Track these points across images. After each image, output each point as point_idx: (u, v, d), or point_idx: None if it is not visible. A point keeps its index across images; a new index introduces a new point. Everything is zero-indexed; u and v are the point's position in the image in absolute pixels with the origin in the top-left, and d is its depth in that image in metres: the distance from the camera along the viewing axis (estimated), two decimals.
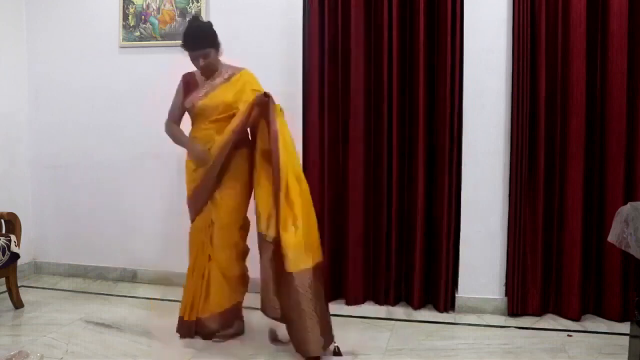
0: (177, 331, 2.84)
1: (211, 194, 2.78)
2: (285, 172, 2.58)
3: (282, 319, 2.66)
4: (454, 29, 3.07)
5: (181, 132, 2.89)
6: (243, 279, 2.88)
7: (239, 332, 2.87)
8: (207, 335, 2.79)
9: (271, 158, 2.64)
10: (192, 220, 2.87)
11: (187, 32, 2.78)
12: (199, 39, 2.74)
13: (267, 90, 2.72)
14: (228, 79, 2.81)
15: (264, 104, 2.67)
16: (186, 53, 2.76)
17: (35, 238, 3.97)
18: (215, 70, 2.82)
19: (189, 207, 2.89)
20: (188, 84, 2.86)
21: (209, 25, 2.82)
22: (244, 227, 2.86)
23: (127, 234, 3.80)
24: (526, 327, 2.95)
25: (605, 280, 2.99)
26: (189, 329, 2.81)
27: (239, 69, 2.85)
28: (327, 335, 2.61)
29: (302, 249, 2.53)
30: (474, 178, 3.12)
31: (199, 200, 2.81)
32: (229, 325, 2.83)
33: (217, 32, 2.79)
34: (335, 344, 2.63)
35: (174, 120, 2.91)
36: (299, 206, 2.58)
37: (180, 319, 2.84)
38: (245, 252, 2.88)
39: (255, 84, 2.82)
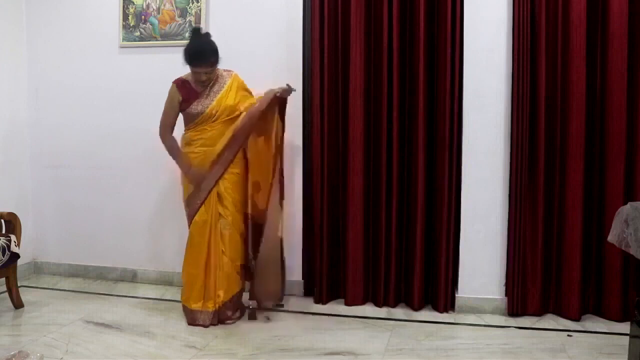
0: (199, 324, 2.96)
1: (213, 189, 2.98)
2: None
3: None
4: (454, 28, 3.07)
5: (179, 147, 3.04)
6: (245, 268, 3.12)
7: (243, 315, 3.11)
8: (223, 320, 3.01)
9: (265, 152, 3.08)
10: (191, 218, 3.02)
11: (195, 48, 2.91)
12: (207, 54, 2.89)
13: (264, 88, 3.00)
14: (225, 83, 3.01)
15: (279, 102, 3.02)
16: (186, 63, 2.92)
17: (35, 238, 3.97)
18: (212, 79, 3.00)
19: (189, 205, 3.05)
20: (187, 91, 2.99)
21: (212, 39, 2.95)
22: (246, 217, 3.10)
23: (127, 234, 3.79)
24: (526, 327, 2.95)
25: (605, 280, 2.99)
26: (214, 316, 2.98)
27: (229, 73, 3.06)
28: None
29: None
30: (474, 178, 3.12)
31: (201, 196, 2.98)
32: (238, 308, 3.08)
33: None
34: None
35: (170, 128, 3.03)
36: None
37: (203, 312, 2.96)
38: (246, 241, 3.11)
39: (244, 85, 3.09)
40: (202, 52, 2.87)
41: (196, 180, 2.98)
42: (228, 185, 3.00)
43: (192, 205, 3.01)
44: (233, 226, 3.02)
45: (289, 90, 3.03)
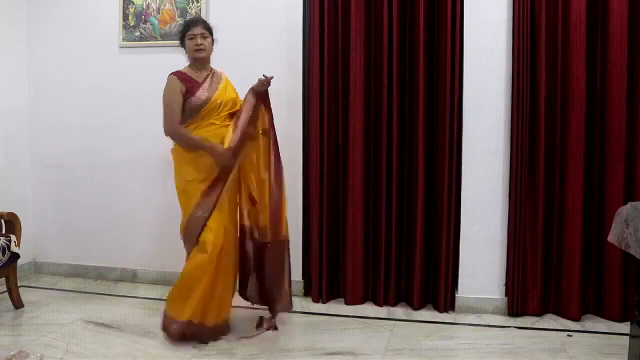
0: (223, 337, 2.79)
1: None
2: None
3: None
4: (454, 28, 3.07)
5: (192, 135, 2.76)
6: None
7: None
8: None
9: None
10: (194, 242, 2.82)
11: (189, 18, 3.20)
12: (200, 20, 2.95)
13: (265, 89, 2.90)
14: (221, 78, 2.88)
15: (262, 92, 2.87)
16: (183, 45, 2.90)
17: (35, 238, 3.97)
18: (207, 63, 2.88)
19: (193, 217, 2.85)
20: (189, 80, 2.78)
21: None
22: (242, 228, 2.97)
23: (127, 234, 3.79)
24: (526, 327, 2.95)
25: (605, 280, 2.99)
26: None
27: (221, 71, 2.93)
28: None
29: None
30: (474, 178, 3.12)
31: (212, 199, 2.79)
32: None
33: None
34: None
35: (177, 121, 2.75)
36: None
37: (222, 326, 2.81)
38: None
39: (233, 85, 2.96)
40: (194, 18, 3.09)
41: (223, 157, 2.73)
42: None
43: (198, 219, 2.78)
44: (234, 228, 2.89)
45: (265, 81, 2.82)
